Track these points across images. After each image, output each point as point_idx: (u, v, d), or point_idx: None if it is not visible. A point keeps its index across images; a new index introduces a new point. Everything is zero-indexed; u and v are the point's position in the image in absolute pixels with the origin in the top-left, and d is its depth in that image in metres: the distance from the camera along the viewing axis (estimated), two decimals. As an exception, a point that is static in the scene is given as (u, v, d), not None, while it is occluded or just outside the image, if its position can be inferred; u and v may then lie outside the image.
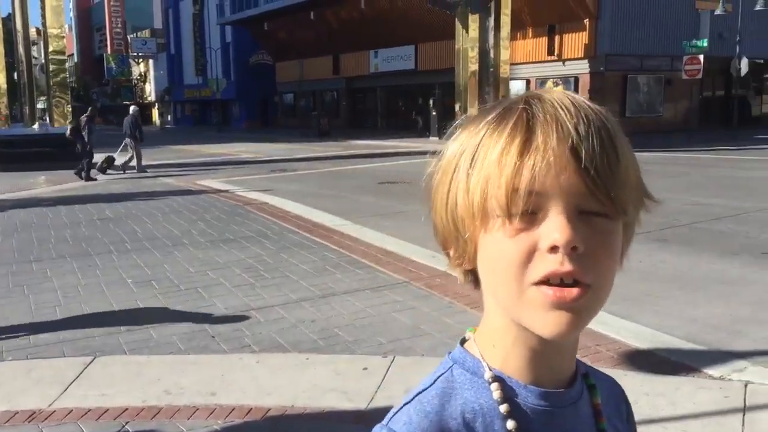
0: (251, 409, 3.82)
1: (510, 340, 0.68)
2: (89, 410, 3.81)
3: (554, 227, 0.60)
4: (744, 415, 3.53)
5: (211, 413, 3.78)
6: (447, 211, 0.67)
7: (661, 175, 14.78)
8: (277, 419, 3.73)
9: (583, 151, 0.60)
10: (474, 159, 0.64)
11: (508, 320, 0.67)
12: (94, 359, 4.56)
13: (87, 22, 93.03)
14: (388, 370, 4.27)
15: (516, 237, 0.61)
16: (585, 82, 29.36)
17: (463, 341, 0.74)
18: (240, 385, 4.13)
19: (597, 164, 0.60)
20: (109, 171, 18.07)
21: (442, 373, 0.70)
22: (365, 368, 4.32)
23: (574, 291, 0.61)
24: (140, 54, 71.86)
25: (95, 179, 16.80)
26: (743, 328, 4.97)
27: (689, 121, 29.93)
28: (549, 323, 0.62)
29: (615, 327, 4.87)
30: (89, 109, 18.95)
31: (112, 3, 78.06)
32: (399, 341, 4.79)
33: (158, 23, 74.08)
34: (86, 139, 17.28)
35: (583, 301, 0.61)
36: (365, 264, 6.97)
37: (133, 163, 18.49)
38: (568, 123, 0.61)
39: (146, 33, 74.21)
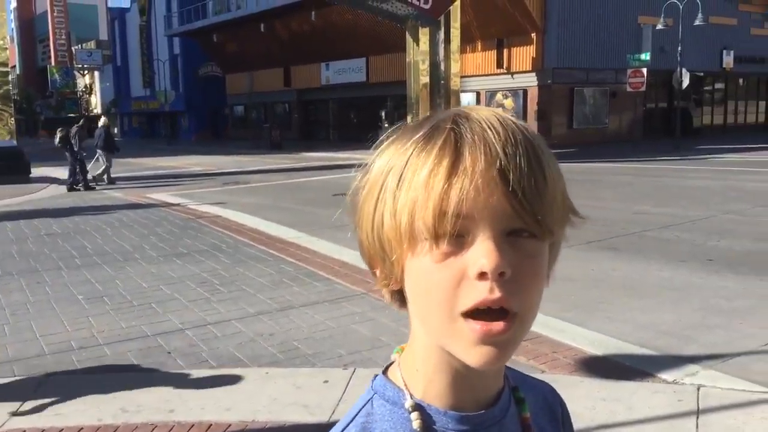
0: (211, 425, 3.77)
1: (433, 364, 0.67)
2: (43, 430, 3.71)
3: (482, 253, 0.59)
4: (698, 417, 3.63)
5: (170, 430, 3.72)
6: (373, 230, 0.66)
7: (608, 185, 15.14)
8: (238, 435, 3.68)
9: (511, 174, 0.59)
10: (401, 179, 0.62)
11: (432, 343, 0.66)
12: (46, 378, 4.44)
13: (30, 33, 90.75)
14: (349, 382, 4.27)
15: (444, 263, 0.60)
16: (533, 94, 29.93)
17: (388, 366, 0.74)
18: (199, 401, 4.07)
19: (525, 187, 0.60)
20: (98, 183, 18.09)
21: (362, 406, 0.70)
22: (326, 381, 4.31)
23: (501, 325, 0.60)
24: (85, 66, 70.52)
25: (76, 188, 16.99)
26: (693, 333, 5.11)
27: (634, 132, 30.71)
28: (476, 356, 0.61)
29: (571, 334, 4.97)
30: (81, 119, 18.88)
31: (55, 14, 76.31)
32: (359, 353, 4.79)
33: (104, 34, 72.81)
34: (76, 149, 17.23)
35: (510, 333, 0.61)
36: (322, 276, 6.95)
37: (105, 173, 18.49)
38: (496, 144, 0.60)
39: (91, 44, 72.82)
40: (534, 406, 0.76)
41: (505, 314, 0.60)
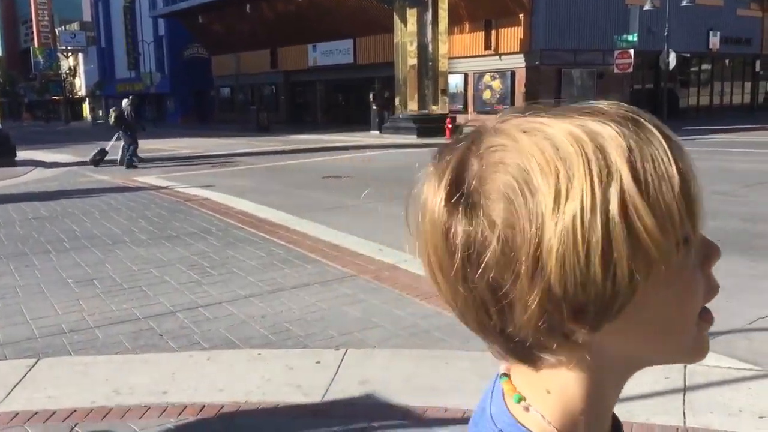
0: (204, 406, 3.79)
1: (604, 401, 0.60)
2: (36, 413, 3.72)
3: (714, 245, 0.58)
4: (685, 394, 3.69)
5: (163, 412, 3.74)
6: (615, 241, 0.50)
7: (596, 166, 15.18)
8: (231, 415, 3.71)
9: None
10: (649, 183, 0.51)
11: (611, 376, 0.59)
12: (37, 361, 4.44)
13: (12, 14, 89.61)
14: (341, 363, 4.30)
15: (694, 265, 0.56)
16: (521, 76, 29.91)
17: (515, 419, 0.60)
18: (191, 382, 4.09)
19: None
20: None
21: None
22: (318, 362, 4.34)
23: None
24: (69, 47, 69.55)
25: (136, 166, 17.63)
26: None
27: (621, 114, 30.74)
28: (705, 345, 0.60)
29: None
30: (130, 97, 19.17)
31: (38, -6, 75.28)
32: (350, 334, 4.82)
33: (87, 16, 71.92)
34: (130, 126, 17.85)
35: None
36: (313, 258, 6.96)
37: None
38: None
39: (75, 26, 71.95)
40: None
41: None
